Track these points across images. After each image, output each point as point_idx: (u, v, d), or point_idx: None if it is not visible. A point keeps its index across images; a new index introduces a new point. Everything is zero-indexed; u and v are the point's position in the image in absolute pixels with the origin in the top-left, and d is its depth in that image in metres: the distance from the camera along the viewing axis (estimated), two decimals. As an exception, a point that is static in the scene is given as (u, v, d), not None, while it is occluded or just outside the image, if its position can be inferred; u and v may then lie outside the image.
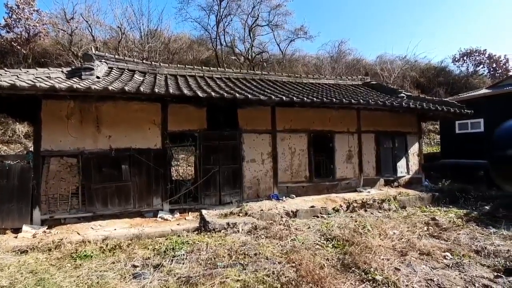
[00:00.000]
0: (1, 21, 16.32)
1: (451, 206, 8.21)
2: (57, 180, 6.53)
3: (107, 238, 5.56)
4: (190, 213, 7.25)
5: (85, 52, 7.90)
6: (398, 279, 3.85)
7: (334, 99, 7.94)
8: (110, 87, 5.68)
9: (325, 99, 8.08)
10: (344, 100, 8.10)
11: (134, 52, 18.11)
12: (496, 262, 4.37)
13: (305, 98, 7.42)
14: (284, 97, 7.21)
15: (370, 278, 3.88)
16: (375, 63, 33.06)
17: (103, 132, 6.80)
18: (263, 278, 3.91)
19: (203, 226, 6.19)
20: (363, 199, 8.16)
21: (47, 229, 6.04)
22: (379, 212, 7.79)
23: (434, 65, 36.05)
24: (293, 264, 4.29)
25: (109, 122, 6.84)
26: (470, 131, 13.13)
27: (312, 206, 7.47)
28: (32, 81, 5.40)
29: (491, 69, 35.04)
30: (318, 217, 7.25)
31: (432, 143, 20.19)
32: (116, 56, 8.94)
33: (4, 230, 5.87)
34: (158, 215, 6.92)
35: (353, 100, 8.35)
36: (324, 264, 4.34)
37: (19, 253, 4.96)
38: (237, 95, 6.85)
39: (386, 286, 3.68)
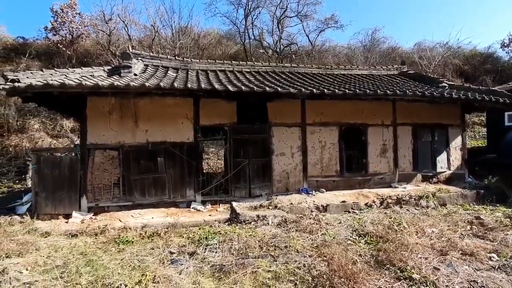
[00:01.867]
0: (48, 25, 17.77)
1: (498, 205, 7.56)
2: (101, 171, 7.07)
3: (145, 225, 5.93)
4: (221, 204, 7.47)
5: (123, 51, 8.37)
6: (437, 279, 3.67)
7: (367, 91, 7.61)
8: (147, 84, 5.99)
9: (358, 90, 7.79)
10: (378, 91, 7.74)
11: (166, 49, 18.79)
12: (553, 266, 3.98)
13: (336, 90, 7.21)
14: (314, 89, 7.08)
15: (406, 276, 3.74)
16: (413, 51, 30.96)
17: (140, 127, 7.20)
18: (294, 270, 3.94)
19: (234, 218, 6.36)
20: (398, 195, 7.82)
21: (93, 215, 6.59)
22: (415, 209, 7.41)
23: (480, 51, 32.97)
24: (324, 258, 4.26)
25: (146, 117, 7.23)
26: (522, 123, 11.88)
27: (343, 201, 7.31)
28: (79, 80, 5.87)
29: (550, 53, 31.16)
30: (349, 212, 7.09)
31: (477, 137, 18.62)
32: (151, 54, 9.36)
33: (57, 216, 6.52)
34: (191, 206, 7.22)
35: (388, 91, 7.96)
36: (356, 260, 4.25)
37: (70, 236, 5.49)
38: (267, 88, 6.85)
39: (424, 286, 3.53)
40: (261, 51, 27.41)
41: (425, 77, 10.52)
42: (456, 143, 9.70)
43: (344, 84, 8.98)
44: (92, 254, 4.46)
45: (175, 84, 6.15)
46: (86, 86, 5.68)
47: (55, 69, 6.90)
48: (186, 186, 7.45)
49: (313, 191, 8.07)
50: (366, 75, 11.00)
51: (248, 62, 10.01)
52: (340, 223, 6.27)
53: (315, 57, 23.82)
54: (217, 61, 9.81)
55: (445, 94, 7.95)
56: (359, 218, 6.49)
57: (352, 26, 51.88)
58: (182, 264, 4.19)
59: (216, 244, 5.03)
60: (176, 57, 9.73)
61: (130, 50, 8.39)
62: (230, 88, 6.61)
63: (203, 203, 7.46)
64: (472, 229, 5.73)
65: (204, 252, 4.73)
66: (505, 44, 32.43)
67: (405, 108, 8.92)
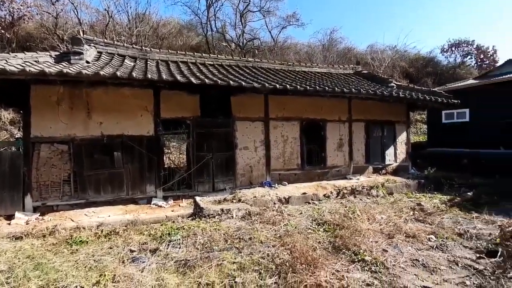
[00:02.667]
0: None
1: (436, 193, 8.58)
2: (48, 167, 6.44)
3: (101, 224, 5.59)
4: (183, 200, 7.32)
5: (73, 35, 7.63)
6: (386, 259, 4.07)
7: (326, 88, 8.01)
8: (101, 72, 5.57)
9: (318, 87, 8.15)
10: (336, 88, 8.20)
11: (122, 36, 17.56)
12: (479, 244, 4.66)
13: (298, 86, 7.47)
14: (277, 85, 7.24)
15: (360, 259, 4.08)
16: (366, 52, 33.17)
17: (94, 119, 6.69)
18: (258, 260, 4.06)
19: (198, 212, 6.29)
20: (352, 186, 8.42)
21: (39, 216, 6.00)
22: (367, 198, 8.07)
23: (423, 56, 36.51)
24: (287, 247, 4.44)
25: (100, 109, 6.73)
26: (455, 121, 13.56)
27: (304, 193, 7.66)
28: (21, 66, 5.23)
29: (479, 60, 35.79)
30: (309, 203, 7.45)
31: (419, 132, 20.72)
32: (105, 40, 8.69)
33: (-4, 218, 5.80)
34: (152, 202, 6.96)
35: (345, 89, 8.46)
36: (316, 247, 4.52)
37: (13, 239, 4.95)
38: (231, 82, 6.83)
39: (374, 266, 3.89)
40: (224, 44, 27.05)
41: (376, 77, 11.39)
42: (402, 138, 10.73)
43: (305, 81, 9.33)
44: (41, 257, 4.08)
45: (134, 74, 5.81)
46: (30, 73, 5.09)
47: (-10, 52, 6.05)
48: (146, 182, 7.16)
49: (276, 184, 8.31)
50: (325, 73, 11.55)
51: (211, 55, 9.83)
52: (301, 213, 6.58)
53: (277, 53, 24.24)
54: (178, 52, 9.47)
55: (394, 94, 8.72)
56: (318, 209, 6.87)
57: (313, 25, 53.74)
58: (144, 262, 4.05)
59: (179, 239, 4.94)
60: (134, 46, 9.17)
61: (82, 35, 7.68)
62: (193, 80, 6.45)
63: (165, 198, 7.24)
64: (414, 215, 6.42)
65: (167, 248, 4.62)
66: (445, 50, 36.35)
67: (359, 105, 9.59)
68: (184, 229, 5.43)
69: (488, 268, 3.83)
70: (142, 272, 3.60)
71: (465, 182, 9.34)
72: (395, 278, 3.58)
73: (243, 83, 6.84)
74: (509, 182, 8.72)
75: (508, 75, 11.69)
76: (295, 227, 5.60)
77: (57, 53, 6.98)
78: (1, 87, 5.58)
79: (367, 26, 52.13)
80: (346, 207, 6.90)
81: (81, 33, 7.61)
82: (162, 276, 3.48)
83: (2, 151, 6.03)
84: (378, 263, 3.95)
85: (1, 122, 12.02)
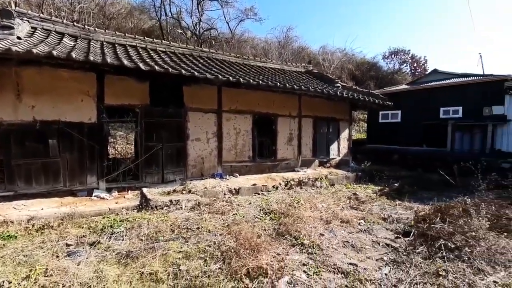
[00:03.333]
0: None
1: (369, 184, 9.63)
2: (-37, 155, 5.60)
3: (33, 218, 5.11)
4: (130, 191, 7.02)
5: (3, 7, 6.63)
6: (321, 242, 4.52)
7: (278, 83, 8.34)
8: (34, 50, 4.99)
9: (270, 82, 8.43)
10: (287, 85, 8.59)
11: (62, 12, 15.70)
12: (398, 227, 5.42)
13: (251, 80, 7.64)
14: (231, 77, 7.32)
15: (299, 243, 4.46)
16: (319, 52, 34.99)
17: (25, 102, 5.98)
18: (205, 248, 4.17)
19: (144, 204, 6.12)
20: (299, 177, 8.98)
21: (-47, 210, 5.22)
22: (312, 189, 8.71)
23: (367, 60, 39.81)
24: (233, 235, 4.63)
25: (32, 91, 6.03)
26: (390, 121, 15.24)
27: (254, 184, 7.95)
28: None
29: (412, 68, 40.37)
30: (259, 194, 7.77)
31: (361, 130, 22.75)
32: (42, 15, 7.70)
33: None
34: (93, 194, 6.53)
35: (295, 86, 8.90)
36: (261, 234, 4.78)
37: None
38: (183, 71, 6.69)
39: (311, 248, 4.30)
40: (179, 31, 25.99)
41: (324, 77, 12.18)
42: (344, 134, 11.71)
43: (259, 75, 9.54)
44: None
45: (73, 55, 5.32)
46: None
47: None
48: (87, 173, 6.68)
49: (227, 176, 8.45)
50: (279, 69, 11.95)
51: (164, 41, 9.41)
52: (250, 203, 6.83)
53: (234, 46, 24.15)
54: (127, 34, 8.85)
55: (338, 93, 9.46)
56: (266, 199, 7.21)
57: (270, 21, 54.50)
58: (81, 256, 3.86)
59: (123, 231, 4.78)
60: (75, 23, 8.30)
61: (13, 7, 6.70)
62: (142, 66, 6.15)
63: (109, 190, 6.85)
64: (350, 203, 7.16)
65: (109, 241, 4.45)
66: (386, 56, 40.11)
67: (308, 102, 10.19)
68: (128, 221, 5.25)
69: (402, 246, 4.51)
70: (78, 265, 3.44)
71: (394, 174, 10.63)
72: (327, 258, 4.01)
73: (196, 73, 6.75)
74: (428, 175, 10.20)
75: (430, 83, 13.50)
76: (243, 216, 5.83)
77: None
78: None
79: (320, 27, 54.83)
80: (292, 197, 7.36)
81: (12, 5, 6.61)
82: (101, 268, 3.38)
83: None
84: (314, 246, 4.37)
85: None
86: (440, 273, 3.57)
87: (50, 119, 6.23)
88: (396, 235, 4.99)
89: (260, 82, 8.21)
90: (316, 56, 29.48)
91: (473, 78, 12.79)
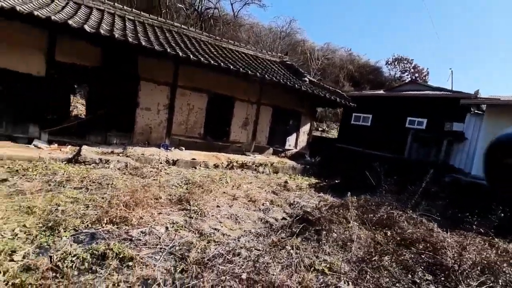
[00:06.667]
0: None
1: (313, 177, 10.06)
2: None
3: (-40, 153, 5.55)
4: (70, 146, 7.45)
5: None
6: (209, 211, 4.97)
7: (231, 67, 8.51)
8: (-25, -3, 5.30)
9: (231, 66, 8.70)
10: (241, 69, 8.80)
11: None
12: (294, 211, 5.87)
13: (201, 59, 7.93)
14: (180, 53, 7.60)
15: (188, 208, 4.91)
16: (322, 48, 34.81)
17: (-28, 46, 6.33)
18: (96, 198, 4.62)
19: (75, 158, 6.56)
20: (245, 161, 9.40)
21: None
22: (252, 172, 9.14)
23: (370, 63, 39.58)
24: (132, 193, 5.08)
25: (-19, 36, 6.37)
26: (361, 124, 15.53)
27: (193, 159, 8.37)
28: None
29: (413, 78, 40.14)
30: (195, 168, 8.20)
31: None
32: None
33: None
34: (33, 143, 6.98)
35: (249, 72, 9.05)
36: (161, 196, 5.23)
37: None
38: (130, 39, 6.96)
39: (195, 214, 4.74)
40: (180, 5, 25.84)
41: (296, 70, 12.40)
42: (305, 128, 12.07)
43: (225, 58, 9.79)
44: None
45: (17, 8, 5.62)
46: None
47: None
48: (30, 122, 7.09)
49: (173, 148, 8.86)
50: (252, 55, 12.16)
51: (133, 10, 9.60)
52: (179, 174, 7.28)
53: (230, 29, 24.06)
54: (106, 1, 9.05)
55: (296, 85, 9.73)
56: (197, 173, 7.65)
57: (273, 9, 53.68)
58: (-19, 186, 4.32)
59: (36, 175, 5.25)
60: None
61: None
62: (87, 28, 6.43)
63: (50, 142, 7.28)
64: (275, 189, 7.60)
65: (18, 180, 4.92)
66: (389, 62, 39.84)
67: (270, 91, 10.47)
68: (48, 168, 5.71)
69: (279, 224, 4.97)
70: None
71: (342, 173, 11.05)
72: (200, 222, 4.47)
73: (143, 43, 7.05)
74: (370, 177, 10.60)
75: (402, 92, 13.72)
76: (163, 182, 6.27)
77: None
78: None
79: (324, 23, 54.12)
80: (223, 175, 7.80)
81: None
82: (-18, 195, 3.83)
83: None
84: (200, 213, 4.82)
85: None
86: (287, 247, 4.03)
87: (-2, 67, 6.58)
88: (283, 217, 5.45)
89: (222, 64, 8.50)
90: (319, 52, 29.14)
91: (441, 92, 13.01)
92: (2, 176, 4.95)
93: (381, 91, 16.26)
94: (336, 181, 9.80)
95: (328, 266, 3.72)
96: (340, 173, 10.86)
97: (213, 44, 11.14)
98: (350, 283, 3.42)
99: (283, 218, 5.37)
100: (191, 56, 7.97)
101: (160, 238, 3.73)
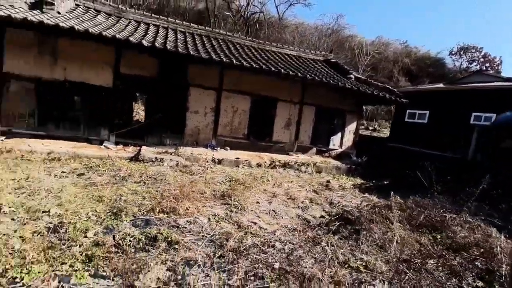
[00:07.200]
0: None
1: (359, 178, 9.69)
2: (16, 101, 7.58)
3: (51, 152, 6.81)
4: (132, 147, 8.51)
5: None
6: (249, 206, 5.26)
7: (282, 70, 8.79)
8: (61, 24, 6.49)
9: (272, 68, 8.97)
10: (290, 72, 8.98)
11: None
12: (334, 210, 5.82)
13: (244, 63, 8.32)
14: (224, 59, 8.09)
15: (229, 203, 5.27)
16: (372, 43, 32.93)
17: (59, 64, 7.71)
18: (151, 191, 5.27)
19: (135, 157, 7.50)
20: (286, 160, 9.54)
21: (5, 138, 7.24)
22: (294, 172, 9.21)
23: (430, 55, 36.09)
24: (180, 188, 5.65)
25: (65, 56, 7.72)
26: (416, 121, 14.34)
27: (237, 158, 8.81)
28: (-9, 8, 6.17)
29: (483, 68, 35.27)
30: (239, 167, 8.62)
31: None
32: (84, -5, 9.44)
33: (-33, 134, 7.06)
34: (103, 144, 8.17)
35: (299, 74, 9.25)
36: (205, 191, 5.71)
37: (-25, 151, 6.22)
38: (191, 52, 7.67)
39: (235, 208, 5.07)
40: (227, 13, 27.09)
41: (340, 67, 12.05)
42: (351, 127, 11.65)
43: (267, 60, 10.10)
44: (-11, 163, 5.34)
45: (90, 30, 6.71)
46: (-2, 16, 6.05)
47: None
48: (101, 126, 8.32)
49: (219, 148, 9.45)
50: (294, 56, 12.22)
51: (184, 22, 10.53)
52: (223, 172, 7.75)
53: (274, 31, 24.35)
54: (153, 15, 10.18)
55: (339, 84, 9.50)
56: (240, 172, 8.04)
57: (319, 7, 52.13)
58: (67, 178, 5.31)
59: (105, 170, 6.19)
60: (111, 3, 9.90)
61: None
62: (145, 43, 7.33)
63: (116, 143, 8.43)
64: (317, 188, 7.57)
65: (92, 175, 5.87)
66: (453, 53, 35.83)
67: (313, 90, 10.42)
68: (115, 165, 6.66)
69: (316, 221, 5.01)
70: (56, 179, 4.83)
71: (393, 174, 10.38)
72: (239, 215, 4.77)
73: (203, 55, 7.73)
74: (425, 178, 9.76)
75: (465, 85, 12.28)
76: (207, 179, 6.80)
77: (33, 0, 7.82)
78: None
79: (375, 17, 50.56)
80: (264, 173, 8.06)
81: None
82: (65, 184, 4.72)
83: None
84: (240, 207, 5.14)
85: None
86: (322, 243, 4.09)
87: (77, 80, 7.90)
88: (322, 215, 5.45)
89: (263, 67, 8.84)
90: (369, 47, 27.69)
91: (514, 83, 11.29)
92: (81, 171, 5.95)
93: (440, 85, 14.76)
94: (385, 182, 9.27)
95: (364, 264, 3.68)
96: (390, 174, 10.25)
97: (256, 48, 11.53)
98: (385, 282, 3.34)
99: (322, 216, 5.38)
100: (234, 61, 8.45)
101: (202, 227, 4.12)
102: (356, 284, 3.29)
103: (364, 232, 4.40)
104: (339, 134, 11.49)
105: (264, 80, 9.71)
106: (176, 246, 3.43)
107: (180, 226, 4.02)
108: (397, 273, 3.49)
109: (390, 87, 11.24)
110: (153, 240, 3.51)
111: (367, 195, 7.49)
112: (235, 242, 3.78)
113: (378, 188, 8.37)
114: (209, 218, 4.48)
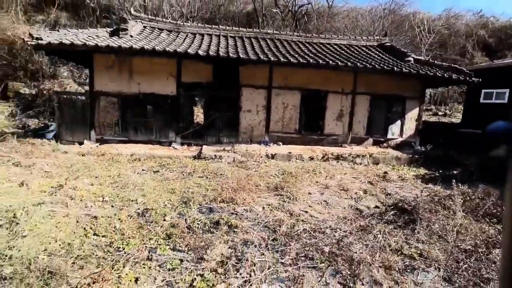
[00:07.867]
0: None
1: (422, 168, 9.02)
2: (105, 113, 9.25)
3: (133, 154, 8.16)
4: (195, 147, 9.56)
5: (121, 16, 9.90)
6: (300, 197, 5.55)
7: (330, 62, 8.76)
8: (134, 46, 7.72)
9: (320, 61, 9.01)
10: (339, 63, 8.89)
11: (173, 6, 19.73)
12: (388, 200, 5.69)
13: (300, 59, 8.54)
14: (272, 57, 8.45)
15: (282, 194, 5.65)
16: (439, 17, 29.31)
17: (134, 80, 9.12)
18: (212, 184, 5.98)
19: (198, 155, 8.44)
20: (339, 152, 9.44)
21: (99, 144, 8.94)
22: (348, 164, 9.06)
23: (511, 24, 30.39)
24: (237, 181, 6.24)
25: (138, 72, 9.09)
26: (493, 101, 12.50)
27: (289, 152, 9.10)
28: (85, 40, 7.71)
29: None
30: (291, 161, 8.91)
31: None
32: (149, 17, 10.86)
33: (73, 142, 8.93)
34: (171, 145, 9.37)
35: (349, 63, 9.10)
36: (260, 184, 6.20)
37: (80, 155, 7.86)
38: (240, 55, 8.30)
39: (288, 198, 5.42)
40: (275, 10, 27.30)
41: (397, 51, 11.24)
42: (412, 114, 10.83)
43: (316, 54, 10.11)
44: (91, 164, 6.76)
45: (156, 48, 7.81)
46: (89, 46, 7.54)
47: (68, 29, 8.74)
48: (169, 130, 9.54)
49: (272, 144, 9.89)
50: (345, 45, 11.86)
51: (233, 28, 11.22)
52: (276, 166, 8.15)
53: (324, 21, 23.64)
54: (206, 25, 11.12)
55: (395, 69, 8.96)
56: (292, 165, 8.32)
57: None
58: (146, 174, 6.40)
59: (174, 168, 7.19)
60: (171, 21, 11.15)
61: (132, 12, 9.94)
62: (200, 52, 8.16)
63: (182, 144, 9.57)
64: (372, 179, 7.39)
65: (165, 171, 6.90)
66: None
67: (366, 78, 10.04)
68: (182, 163, 7.64)
69: (369, 211, 5.02)
70: (136, 175, 5.90)
71: (464, 163, 9.35)
72: (292, 205, 5.11)
73: (251, 57, 8.31)
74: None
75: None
76: (263, 173, 7.29)
77: (112, 29, 9.40)
78: (74, 54, 8.25)
79: (454, -17, 43.96)
80: (317, 166, 8.18)
81: (130, 11, 9.87)
82: (146, 179, 5.72)
83: (76, 98, 8.95)
84: (292, 198, 5.48)
85: (88, 78, 15.90)
86: (374, 231, 4.16)
87: (148, 92, 9.22)
88: (376, 205, 5.40)
89: (311, 60, 8.96)
90: (435, 22, 24.83)
91: None
92: (156, 168, 7.04)
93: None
94: (454, 171, 8.46)
95: (418, 252, 3.67)
96: (460, 164, 9.26)
97: (304, 42, 11.58)
98: (440, 269, 3.29)
99: (376, 207, 5.34)
100: (281, 59, 8.75)
101: (258, 214, 4.59)
102: (408, 270, 3.33)
103: (421, 222, 4.29)
104: (399, 122, 10.80)
105: (312, 73, 9.77)
106: (236, 230, 3.96)
107: (238, 213, 4.56)
108: (455, 261, 3.39)
109: (457, 66, 10.08)
110: (216, 224, 4.10)
111: (431, 185, 7.03)
112: (287, 228, 4.14)
113: (444, 178, 7.71)
114: (263, 207, 4.93)
